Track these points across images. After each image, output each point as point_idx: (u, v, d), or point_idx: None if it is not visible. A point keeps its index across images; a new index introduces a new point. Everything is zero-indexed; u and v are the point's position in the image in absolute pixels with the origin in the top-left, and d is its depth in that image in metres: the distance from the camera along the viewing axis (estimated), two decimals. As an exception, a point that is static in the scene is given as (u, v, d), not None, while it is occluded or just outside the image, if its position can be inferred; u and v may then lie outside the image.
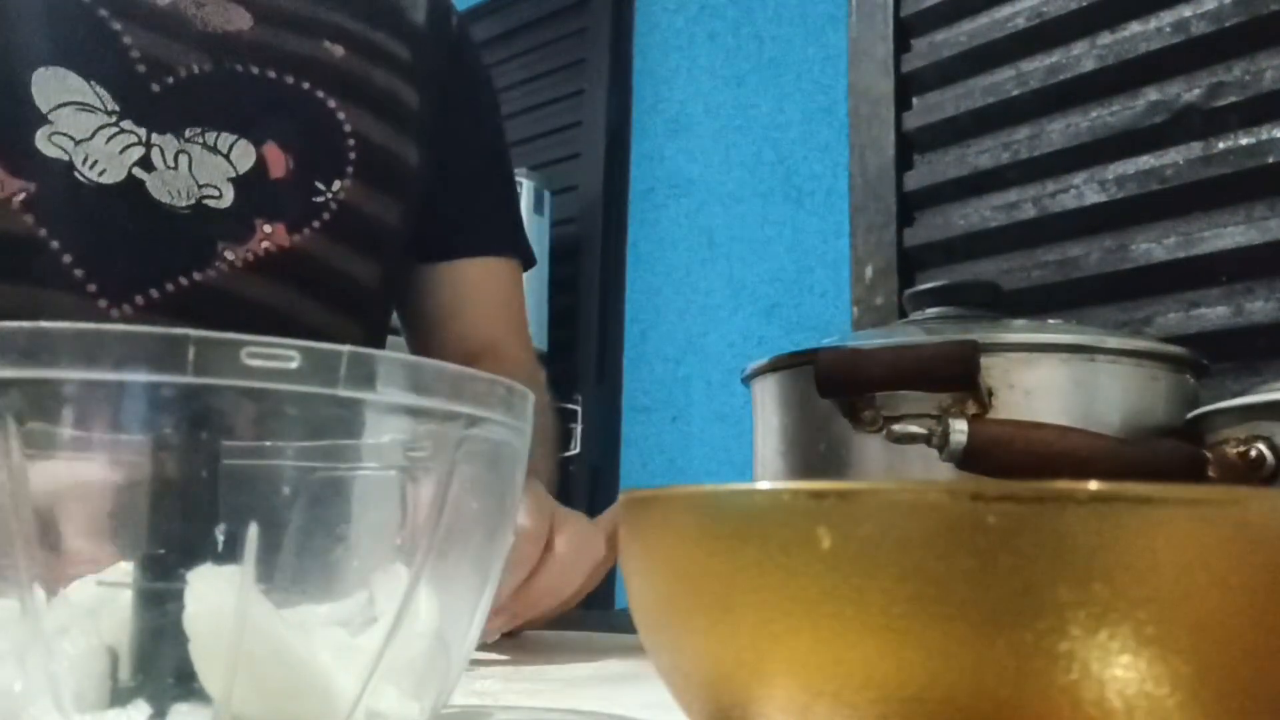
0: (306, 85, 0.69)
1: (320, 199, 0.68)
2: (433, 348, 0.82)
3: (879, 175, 1.30)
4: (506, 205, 0.87)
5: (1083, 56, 1.13)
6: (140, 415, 0.23)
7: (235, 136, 0.66)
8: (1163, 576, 0.17)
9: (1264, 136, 0.99)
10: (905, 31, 1.31)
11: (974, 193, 1.21)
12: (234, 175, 0.65)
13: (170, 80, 0.65)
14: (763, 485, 0.19)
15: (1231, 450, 0.51)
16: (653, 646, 0.22)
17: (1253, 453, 0.50)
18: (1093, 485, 0.17)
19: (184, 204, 0.63)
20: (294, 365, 0.22)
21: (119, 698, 0.23)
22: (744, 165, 1.56)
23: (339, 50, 0.72)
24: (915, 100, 1.29)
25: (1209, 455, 0.51)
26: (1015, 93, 1.18)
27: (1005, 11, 1.20)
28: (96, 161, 0.62)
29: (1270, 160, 0.98)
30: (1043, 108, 1.16)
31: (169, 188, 0.63)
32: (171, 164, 0.64)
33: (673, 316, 1.63)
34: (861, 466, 0.58)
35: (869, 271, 1.29)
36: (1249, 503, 0.17)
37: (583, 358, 1.72)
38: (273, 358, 0.22)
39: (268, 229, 0.65)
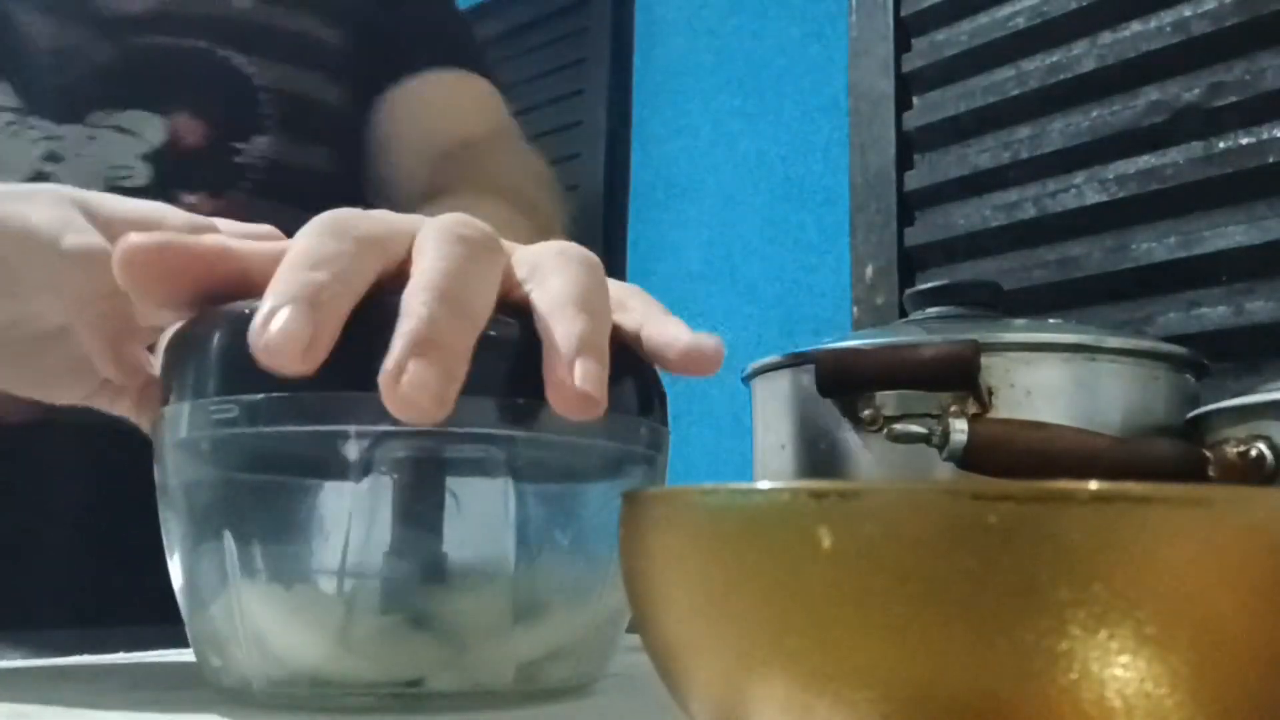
0: (212, 47, 0.67)
1: (241, 160, 0.66)
2: (387, 197, 0.72)
3: (879, 175, 1.30)
4: (440, 18, 0.78)
5: (1083, 56, 1.13)
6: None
7: (145, 113, 0.64)
8: (1163, 576, 0.17)
9: (1264, 136, 0.99)
10: (905, 31, 1.31)
11: (975, 192, 1.21)
12: (146, 152, 0.63)
13: (75, 72, 0.63)
14: (763, 485, 0.19)
15: (1231, 450, 0.51)
16: (653, 646, 0.22)
17: (1253, 453, 0.50)
18: (1093, 485, 0.17)
19: (96, 190, 0.61)
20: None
21: None
22: (744, 165, 1.56)
23: (245, 2, 0.69)
24: (915, 100, 1.29)
25: (1209, 455, 0.51)
26: (1016, 92, 1.18)
27: (1006, 11, 1.20)
28: None
29: (1271, 160, 0.98)
30: (1043, 107, 1.16)
31: (77, 176, 0.60)
32: (81, 152, 0.62)
33: (673, 316, 1.63)
34: (861, 466, 0.58)
35: (869, 271, 1.29)
36: (1250, 502, 0.17)
37: (583, 357, 1.72)
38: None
39: (190, 199, 0.63)
